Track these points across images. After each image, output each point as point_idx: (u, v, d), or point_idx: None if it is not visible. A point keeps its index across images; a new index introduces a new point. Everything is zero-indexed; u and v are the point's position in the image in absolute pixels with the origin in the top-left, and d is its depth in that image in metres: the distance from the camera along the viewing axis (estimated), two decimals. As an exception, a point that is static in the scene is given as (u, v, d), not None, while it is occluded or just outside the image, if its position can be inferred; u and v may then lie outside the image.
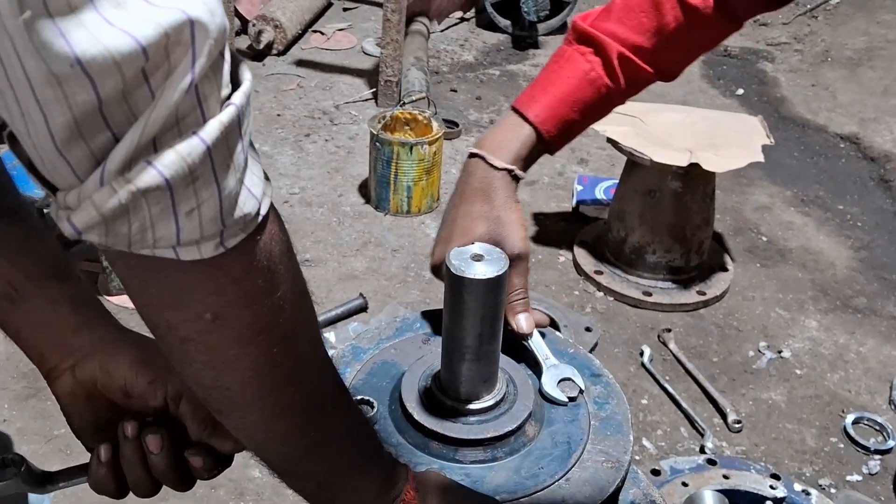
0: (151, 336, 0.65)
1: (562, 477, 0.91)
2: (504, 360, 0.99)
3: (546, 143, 1.10)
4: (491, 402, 0.95)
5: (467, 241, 0.99)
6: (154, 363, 0.79)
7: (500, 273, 0.87)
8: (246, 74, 0.55)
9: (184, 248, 0.54)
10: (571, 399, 1.00)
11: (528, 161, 1.09)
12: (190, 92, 0.49)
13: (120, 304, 2.60)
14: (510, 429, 0.93)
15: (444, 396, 0.95)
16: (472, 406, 0.94)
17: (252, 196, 0.57)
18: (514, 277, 1.02)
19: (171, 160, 0.50)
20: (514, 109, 1.10)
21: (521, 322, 1.04)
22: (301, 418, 0.71)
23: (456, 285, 0.88)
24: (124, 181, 0.49)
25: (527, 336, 1.04)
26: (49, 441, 2.07)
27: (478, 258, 0.88)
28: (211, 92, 0.51)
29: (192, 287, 0.58)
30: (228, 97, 0.53)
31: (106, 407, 0.80)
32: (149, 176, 0.49)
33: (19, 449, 1.52)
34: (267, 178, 0.60)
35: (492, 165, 1.05)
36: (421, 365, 1.00)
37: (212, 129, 0.51)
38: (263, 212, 0.58)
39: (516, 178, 1.07)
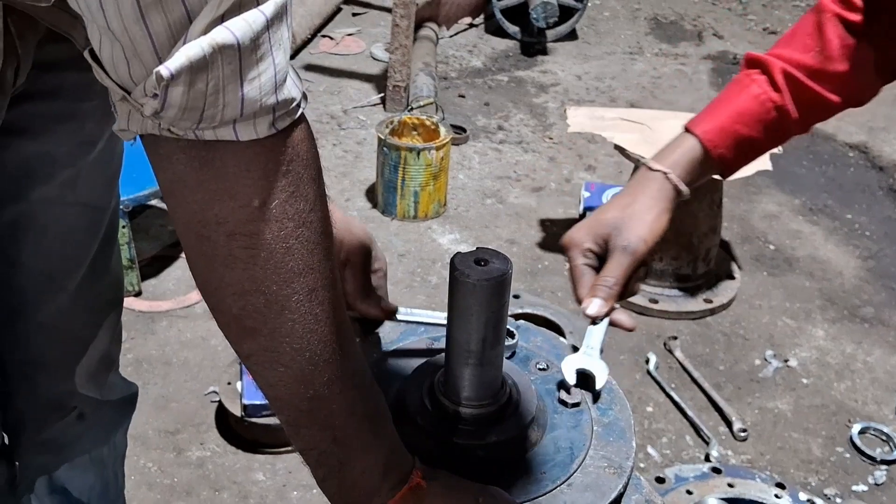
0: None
1: (563, 482, 0.91)
2: (507, 365, 0.98)
3: (714, 157, 1.14)
4: (494, 407, 0.94)
5: (594, 222, 1.09)
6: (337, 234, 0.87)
7: (502, 276, 0.86)
8: None
9: (243, 124, 0.63)
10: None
11: (691, 172, 1.13)
12: None
13: (126, 306, 2.61)
14: (513, 434, 0.93)
15: (447, 400, 0.94)
16: (475, 410, 0.94)
17: (295, 84, 0.67)
18: (611, 265, 1.06)
19: (239, 24, 0.60)
20: (685, 129, 1.16)
21: (591, 304, 1.04)
22: (324, 348, 0.74)
23: (459, 289, 0.87)
24: (205, 39, 0.59)
25: (589, 319, 1.05)
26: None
27: (481, 262, 0.87)
28: None
29: (245, 171, 0.65)
30: None
31: None
32: (223, 34, 0.59)
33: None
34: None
35: (649, 168, 1.13)
36: (424, 369, 1.00)
37: (269, 5, 0.61)
38: (303, 105, 0.68)
39: (676, 189, 1.12)
